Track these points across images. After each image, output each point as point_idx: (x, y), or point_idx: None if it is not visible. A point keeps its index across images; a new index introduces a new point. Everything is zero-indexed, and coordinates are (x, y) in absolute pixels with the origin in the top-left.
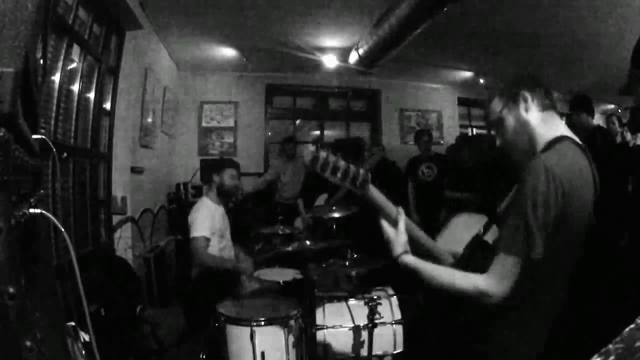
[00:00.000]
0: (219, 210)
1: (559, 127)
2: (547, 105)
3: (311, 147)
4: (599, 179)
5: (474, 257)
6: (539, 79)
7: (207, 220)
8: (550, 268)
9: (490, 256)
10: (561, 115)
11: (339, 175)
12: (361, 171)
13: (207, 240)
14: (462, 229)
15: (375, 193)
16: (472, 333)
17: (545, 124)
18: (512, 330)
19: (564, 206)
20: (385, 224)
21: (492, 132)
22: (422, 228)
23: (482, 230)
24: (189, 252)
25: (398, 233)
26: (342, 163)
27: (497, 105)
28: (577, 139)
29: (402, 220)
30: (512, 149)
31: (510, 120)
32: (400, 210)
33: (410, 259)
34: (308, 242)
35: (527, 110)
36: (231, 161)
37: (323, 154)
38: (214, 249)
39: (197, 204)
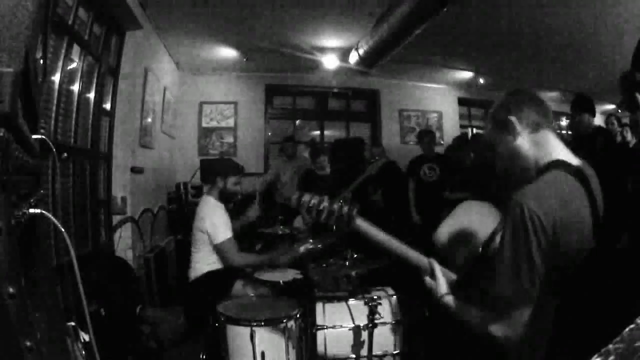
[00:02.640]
0: (224, 207)
1: (553, 149)
2: (540, 125)
3: (295, 194)
4: (602, 198)
5: (474, 275)
6: (530, 96)
7: (225, 220)
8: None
9: (491, 276)
10: (561, 115)
11: (323, 216)
12: (344, 209)
13: (234, 241)
14: (468, 214)
15: (364, 226)
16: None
17: (538, 147)
18: None
19: (549, 241)
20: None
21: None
22: (422, 228)
23: (496, 229)
24: (189, 253)
25: (437, 275)
26: (325, 204)
27: (490, 133)
28: (573, 160)
29: (436, 266)
30: (509, 174)
31: (501, 148)
32: (434, 262)
33: (447, 298)
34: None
35: (515, 136)
36: (236, 168)
37: (306, 197)
38: None
39: (209, 207)
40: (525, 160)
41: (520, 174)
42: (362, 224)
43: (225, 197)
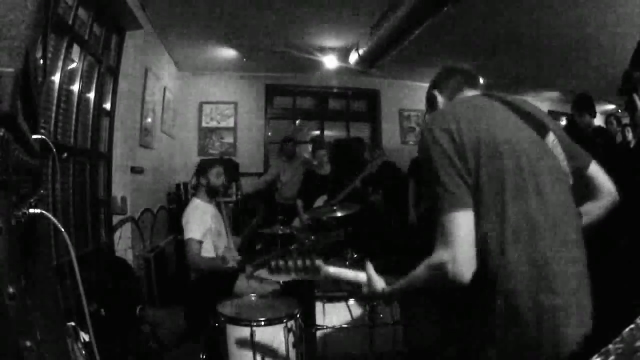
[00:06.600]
0: (210, 210)
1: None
2: (459, 89)
3: (269, 262)
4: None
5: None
6: (453, 68)
7: (198, 221)
8: (494, 216)
9: None
10: (562, 115)
11: (293, 274)
12: (308, 262)
13: (199, 243)
14: None
15: (329, 270)
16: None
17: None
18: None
19: (466, 149)
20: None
21: None
22: (419, 228)
23: None
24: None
25: (371, 277)
26: (291, 265)
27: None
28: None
29: (369, 268)
30: None
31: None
32: (367, 264)
33: (387, 288)
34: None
35: (438, 107)
36: (215, 160)
37: (275, 264)
38: (208, 249)
39: (188, 206)
40: None
41: None
42: (327, 269)
43: (213, 192)
